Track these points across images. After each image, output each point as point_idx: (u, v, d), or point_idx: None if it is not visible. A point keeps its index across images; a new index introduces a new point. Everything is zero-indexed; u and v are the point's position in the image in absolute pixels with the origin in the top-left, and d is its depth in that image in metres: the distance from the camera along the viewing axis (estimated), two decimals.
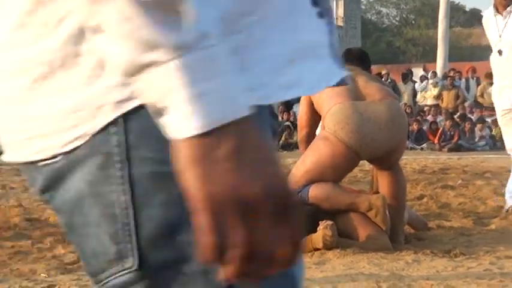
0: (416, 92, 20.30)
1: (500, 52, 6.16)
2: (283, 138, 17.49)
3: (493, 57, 6.26)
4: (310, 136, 4.94)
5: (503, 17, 6.14)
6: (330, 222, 4.32)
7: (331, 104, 4.58)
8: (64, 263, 4.33)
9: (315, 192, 4.51)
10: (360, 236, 4.43)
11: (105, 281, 0.90)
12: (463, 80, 20.46)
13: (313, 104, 4.88)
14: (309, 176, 4.57)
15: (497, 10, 6.18)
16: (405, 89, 20.37)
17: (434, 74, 20.81)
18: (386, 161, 4.67)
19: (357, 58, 5.06)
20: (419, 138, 17.23)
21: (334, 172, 4.58)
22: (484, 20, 6.45)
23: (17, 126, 0.91)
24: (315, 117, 4.92)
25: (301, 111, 5.07)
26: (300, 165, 4.66)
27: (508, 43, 6.14)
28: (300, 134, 5.08)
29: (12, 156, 0.94)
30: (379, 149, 4.53)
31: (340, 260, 4.16)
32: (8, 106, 0.92)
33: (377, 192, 4.88)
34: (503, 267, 3.95)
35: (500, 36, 6.18)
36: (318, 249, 4.33)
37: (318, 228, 4.33)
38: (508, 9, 6.11)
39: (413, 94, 20.30)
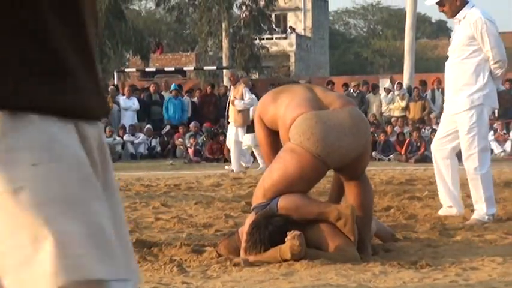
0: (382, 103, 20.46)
1: (447, 57, 6.34)
2: None
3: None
4: None
5: (456, 23, 6.27)
6: (297, 233, 4.32)
7: (294, 115, 4.57)
8: None
9: (284, 202, 4.50)
10: (328, 247, 4.44)
11: None
12: (429, 91, 20.65)
13: (266, 124, 4.85)
14: (276, 189, 4.55)
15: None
16: (374, 100, 20.52)
17: (400, 85, 20.96)
18: (354, 168, 4.68)
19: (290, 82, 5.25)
20: (387, 149, 17.34)
21: (303, 184, 4.58)
22: None
23: None
24: (274, 138, 4.89)
25: (259, 137, 5.00)
26: (267, 178, 4.64)
27: (451, 49, 6.25)
28: (267, 161, 4.99)
29: None
30: (346, 155, 4.55)
31: (307, 271, 4.16)
32: None
33: (336, 202, 4.92)
34: (469, 279, 3.98)
35: (451, 43, 6.33)
36: (286, 260, 4.33)
37: (285, 239, 4.32)
38: (457, 16, 6.18)
39: (381, 105, 20.46)
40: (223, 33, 29.85)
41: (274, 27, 36.40)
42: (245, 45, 30.78)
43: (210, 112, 20.67)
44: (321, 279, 3.99)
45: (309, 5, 47.38)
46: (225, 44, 29.73)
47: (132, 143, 19.29)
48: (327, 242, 4.45)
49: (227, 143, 13.72)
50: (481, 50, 6.10)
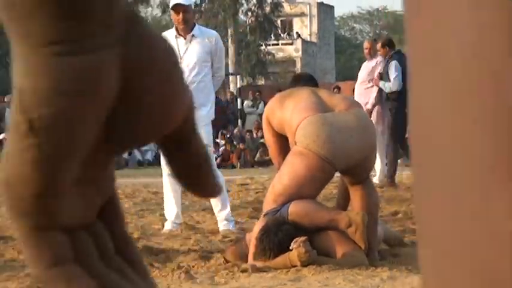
0: None
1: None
2: (258, 155, 17.51)
3: None
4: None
5: (186, 40, 6.44)
6: (302, 239, 4.31)
7: (300, 119, 4.60)
8: (37, 281, 4.28)
9: (294, 208, 4.50)
10: (336, 253, 4.43)
11: None
12: None
13: (273, 128, 4.91)
14: (287, 192, 4.56)
15: (178, 33, 6.46)
16: None
17: None
18: (360, 170, 4.69)
19: (308, 79, 5.28)
20: None
21: (312, 186, 4.59)
22: None
23: None
24: (282, 141, 4.93)
25: (267, 139, 5.08)
26: (277, 183, 4.65)
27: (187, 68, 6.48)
28: (276, 163, 5.05)
29: None
30: (353, 156, 4.56)
31: (315, 277, 4.16)
32: None
33: (344, 208, 4.93)
34: None
35: (181, 58, 6.46)
36: (294, 266, 4.32)
37: (291, 247, 4.31)
38: (192, 32, 6.47)
39: None
40: (229, 40, 29.89)
41: (280, 33, 36.42)
42: (251, 51, 30.84)
43: (217, 118, 20.69)
44: (328, 284, 3.99)
45: (315, 11, 47.42)
46: (231, 50, 29.78)
47: (139, 149, 19.31)
48: (335, 248, 4.45)
49: None
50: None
